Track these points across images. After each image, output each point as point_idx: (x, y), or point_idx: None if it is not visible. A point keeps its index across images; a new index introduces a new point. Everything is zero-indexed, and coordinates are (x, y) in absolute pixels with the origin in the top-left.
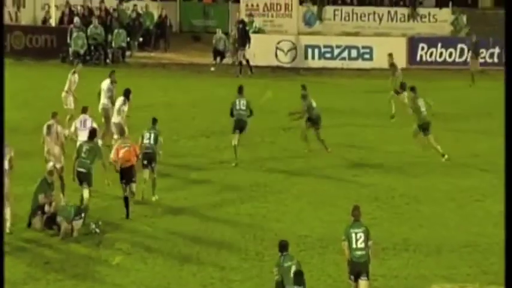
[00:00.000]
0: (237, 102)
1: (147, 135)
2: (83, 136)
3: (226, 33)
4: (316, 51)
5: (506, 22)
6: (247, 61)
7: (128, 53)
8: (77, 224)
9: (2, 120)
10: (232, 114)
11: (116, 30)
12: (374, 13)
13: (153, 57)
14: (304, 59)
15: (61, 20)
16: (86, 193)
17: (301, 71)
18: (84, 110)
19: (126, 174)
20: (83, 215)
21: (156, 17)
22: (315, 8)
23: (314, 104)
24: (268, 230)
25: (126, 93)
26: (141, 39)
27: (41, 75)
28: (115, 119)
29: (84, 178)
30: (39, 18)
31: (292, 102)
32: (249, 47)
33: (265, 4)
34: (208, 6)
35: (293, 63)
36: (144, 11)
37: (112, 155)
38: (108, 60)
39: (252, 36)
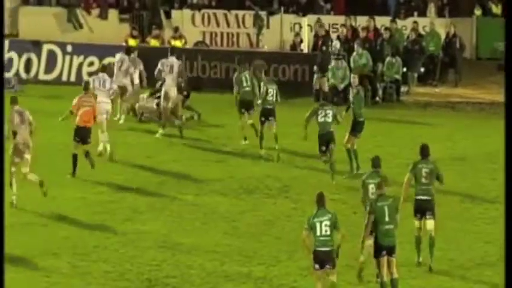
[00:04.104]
0: None
1: (270, 91)
2: (102, 96)
3: None
4: None
5: (506, 22)
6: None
7: (404, 88)
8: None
9: (1, 120)
10: None
11: (388, 58)
12: None
13: (438, 93)
14: None
15: (315, 45)
16: (430, 224)
17: None
18: (103, 69)
19: (83, 135)
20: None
21: (443, 38)
22: None
23: None
24: None
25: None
26: (422, 69)
27: (288, 117)
28: None
29: (427, 207)
30: (288, 43)
31: None
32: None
33: None
34: None
35: None
36: (427, 31)
37: (74, 105)
38: (377, 98)
39: None
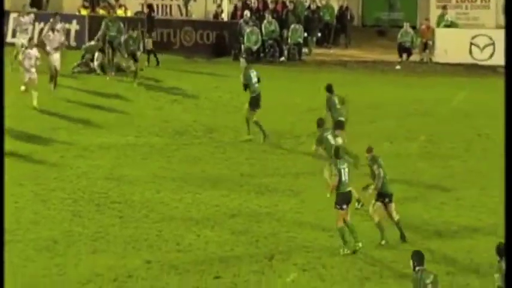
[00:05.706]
0: None
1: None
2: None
3: (414, 28)
4: None
5: (506, 21)
6: (153, 51)
7: (304, 49)
8: None
9: (2, 118)
10: None
11: (292, 26)
12: None
13: (332, 54)
14: (503, 56)
15: (234, 15)
16: None
17: (498, 69)
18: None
19: None
20: None
21: (336, 10)
22: None
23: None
24: None
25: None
26: (319, 34)
27: (212, 74)
28: None
29: None
30: (211, 13)
31: (488, 105)
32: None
33: None
34: None
35: (490, 61)
36: (324, 3)
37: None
38: (283, 58)
39: (444, 31)
